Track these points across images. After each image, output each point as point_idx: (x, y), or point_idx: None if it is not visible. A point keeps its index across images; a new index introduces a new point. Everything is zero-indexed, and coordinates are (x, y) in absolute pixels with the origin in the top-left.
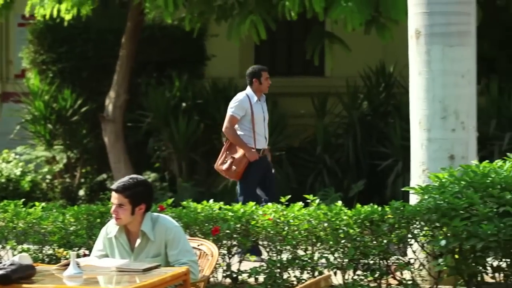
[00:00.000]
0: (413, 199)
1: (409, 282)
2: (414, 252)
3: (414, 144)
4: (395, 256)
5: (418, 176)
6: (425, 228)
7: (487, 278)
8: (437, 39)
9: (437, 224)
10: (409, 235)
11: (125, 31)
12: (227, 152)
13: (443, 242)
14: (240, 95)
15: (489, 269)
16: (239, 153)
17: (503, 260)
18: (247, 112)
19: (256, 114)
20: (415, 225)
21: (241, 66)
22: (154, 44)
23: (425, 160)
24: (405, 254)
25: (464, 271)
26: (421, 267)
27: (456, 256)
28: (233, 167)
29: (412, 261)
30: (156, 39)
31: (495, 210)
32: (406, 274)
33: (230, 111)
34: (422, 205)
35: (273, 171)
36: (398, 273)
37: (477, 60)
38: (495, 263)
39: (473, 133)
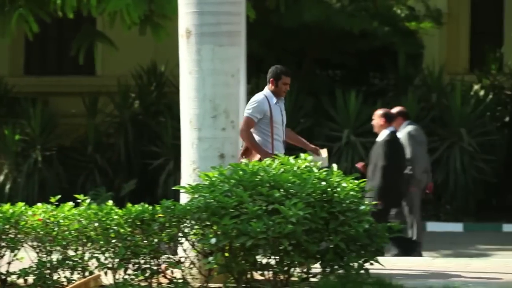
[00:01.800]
0: (184, 198)
1: (180, 281)
2: (184, 250)
3: (184, 143)
4: (166, 255)
5: (188, 175)
6: (196, 227)
7: (257, 276)
8: (208, 39)
9: (207, 223)
10: (180, 234)
11: None
12: (243, 156)
13: (213, 241)
14: (258, 96)
15: (259, 267)
16: (257, 157)
17: (272, 257)
18: (265, 115)
19: (275, 117)
20: (185, 224)
21: (11, 65)
22: None
23: (196, 159)
24: (175, 253)
25: (234, 268)
26: (191, 266)
27: (226, 254)
28: None
29: (182, 259)
30: None
31: (264, 208)
32: (177, 273)
33: (247, 113)
34: (193, 204)
35: None
36: (168, 272)
37: (247, 59)
38: (264, 261)
39: None
